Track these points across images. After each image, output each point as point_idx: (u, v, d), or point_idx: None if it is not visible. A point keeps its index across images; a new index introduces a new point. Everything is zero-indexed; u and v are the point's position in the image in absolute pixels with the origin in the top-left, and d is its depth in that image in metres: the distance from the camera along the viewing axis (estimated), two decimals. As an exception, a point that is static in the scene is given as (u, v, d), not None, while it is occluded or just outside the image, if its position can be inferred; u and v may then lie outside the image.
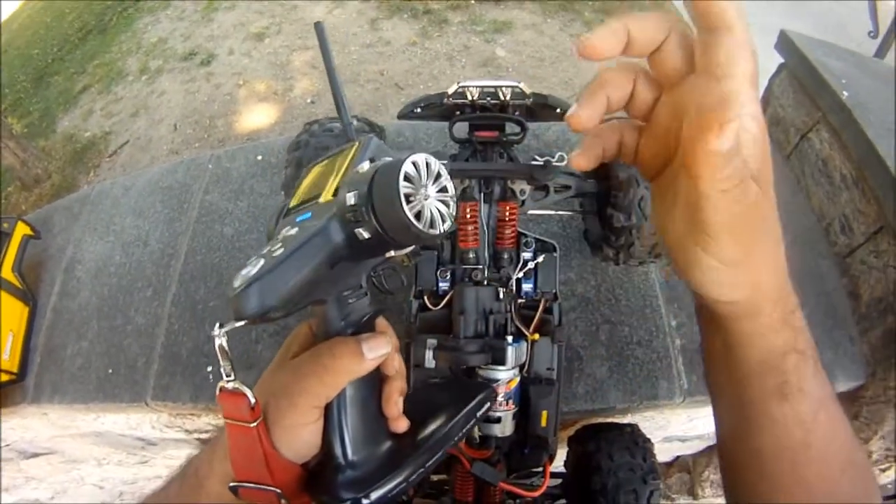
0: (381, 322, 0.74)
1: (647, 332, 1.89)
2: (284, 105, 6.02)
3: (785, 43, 2.53)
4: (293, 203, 0.81)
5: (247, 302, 0.62)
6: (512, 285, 1.34)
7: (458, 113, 1.53)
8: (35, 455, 2.79)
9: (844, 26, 6.40)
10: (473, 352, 1.20)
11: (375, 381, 0.71)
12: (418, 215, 0.61)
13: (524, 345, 1.26)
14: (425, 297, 1.38)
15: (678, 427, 2.26)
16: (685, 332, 1.90)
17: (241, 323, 0.64)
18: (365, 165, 0.67)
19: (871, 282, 2.02)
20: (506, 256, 1.35)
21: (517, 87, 1.53)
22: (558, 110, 1.56)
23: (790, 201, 2.36)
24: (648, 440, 1.52)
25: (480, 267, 1.33)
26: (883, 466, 2.03)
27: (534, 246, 1.38)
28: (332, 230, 0.63)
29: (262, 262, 0.64)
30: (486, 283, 1.31)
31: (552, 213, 1.76)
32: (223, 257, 2.26)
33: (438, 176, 0.66)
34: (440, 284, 1.38)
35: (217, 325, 0.66)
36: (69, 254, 2.52)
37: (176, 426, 2.37)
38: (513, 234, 1.37)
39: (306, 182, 0.84)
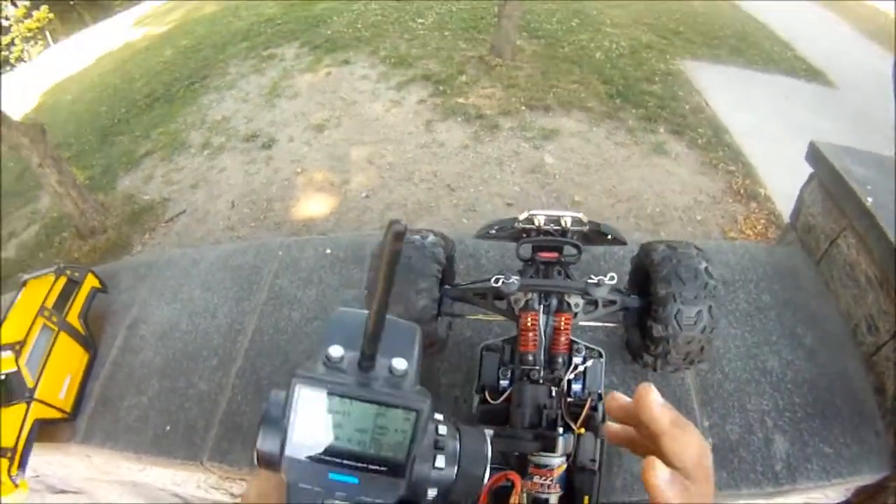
0: None
1: None
2: (340, 196, 6.16)
3: (814, 153, 2.68)
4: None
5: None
6: (563, 385, 1.56)
7: (524, 235, 1.80)
8: (63, 492, 2.90)
9: (873, 119, 6.56)
10: (528, 440, 1.40)
11: None
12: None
13: (571, 437, 1.45)
14: (486, 393, 1.60)
15: None
16: (717, 431, 2.06)
17: None
18: (443, 427, 0.77)
19: (895, 377, 2.15)
20: (560, 360, 1.59)
21: (577, 216, 1.81)
22: (609, 237, 1.84)
23: (820, 306, 2.50)
24: None
25: (537, 368, 1.55)
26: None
27: (584, 352, 1.62)
28: None
29: None
30: (541, 381, 1.53)
31: (600, 324, 2.00)
32: (289, 340, 2.40)
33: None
34: (501, 382, 1.60)
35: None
36: (134, 312, 2.69)
37: (223, 489, 2.47)
38: (567, 342, 1.61)
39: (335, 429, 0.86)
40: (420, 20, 10.10)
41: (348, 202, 6.05)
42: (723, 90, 8.32)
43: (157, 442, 2.24)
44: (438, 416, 0.78)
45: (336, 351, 0.75)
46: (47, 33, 23.31)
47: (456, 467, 0.75)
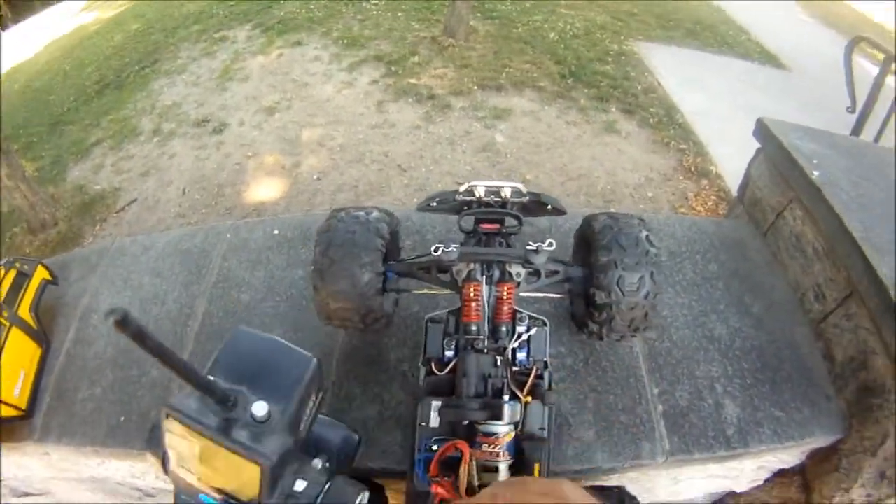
0: None
1: (632, 400, 2.11)
2: (291, 180, 6.14)
3: (762, 129, 2.77)
4: (179, 465, 0.90)
5: None
6: (508, 354, 1.59)
7: (465, 208, 1.83)
8: (26, 494, 2.89)
9: (825, 101, 6.68)
10: (475, 409, 1.43)
11: None
12: None
13: (518, 406, 1.49)
14: (432, 364, 1.63)
15: (663, 490, 2.40)
16: (667, 398, 2.12)
17: None
18: (300, 483, 0.80)
19: (843, 343, 2.24)
20: (503, 329, 1.63)
21: (517, 187, 1.84)
22: (549, 207, 1.87)
23: (767, 276, 2.59)
24: (635, 497, 1.67)
25: (481, 337, 1.59)
26: (865, 513, 2.19)
27: (527, 321, 1.66)
28: None
29: None
30: (485, 351, 1.56)
31: (544, 295, 2.04)
32: (239, 322, 2.40)
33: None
34: (446, 353, 1.62)
35: None
36: (85, 303, 2.68)
37: None
38: (510, 311, 1.66)
39: (184, 449, 0.89)
40: (374, 1, 10.01)
41: (299, 185, 6.03)
42: (676, 71, 8.40)
43: (113, 433, 2.24)
44: (316, 464, 0.82)
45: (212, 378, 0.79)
46: (-5, 21, 22.78)
47: None
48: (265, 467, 0.73)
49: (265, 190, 6.07)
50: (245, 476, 0.77)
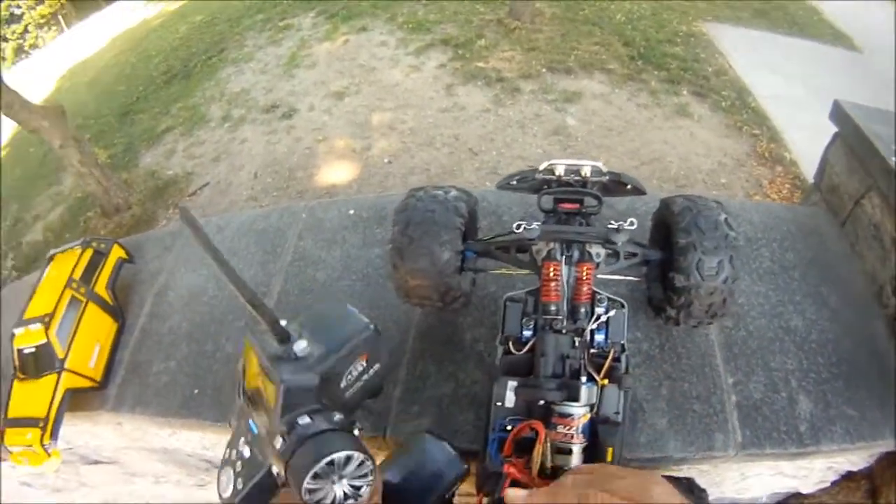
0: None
1: (706, 389, 2.02)
2: (362, 163, 6.17)
3: (838, 112, 2.63)
4: (247, 385, 0.94)
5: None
6: (586, 335, 1.54)
7: (545, 187, 1.78)
8: (96, 462, 2.94)
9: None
10: (552, 389, 1.38)
11: None
12: (319, 501, 0.75)
13: (595, 388, 1.44)
14: (510, 343, 1.58)
15: (731, 486, 2.33)
16: (741, 389, 2.03)
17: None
18: (278, 443, 0.79)
19: None
20: (582, 310, 1.56)
21: (597, 166, 1.79)
22: (629, 186, 1.82)
23: (844, 267, 2.48)
24: (704, 490, 1.64)
25: (560, 318, 1.54)
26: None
27: (606, 302, 1.59)
28: (266, 479, 0.80)
29: (229, 475, 0.86)
30: (564, 332, 1.51)
31: (622, 278, 1.97)
32: (315, 300, 2.41)
33: (360, 464, 0.76)
34: (524, 332, 1.58)
35: None
36: (161, 280, 2.71)
37: None
38: (589, 292, 1.59)
39: (250, 370, 0.93)
40: (438, -16, 10.01)
41: (370, 168, 6.06)
42: (746, 53, 8.26)
43: (187, 405, 2.26)
44: (335, 415, 0.83)
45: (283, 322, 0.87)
46: (60, 18, 23.33)
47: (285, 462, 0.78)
48: (280, 388, 0.79)
49: (336, 173, 6.10)
50: (270, 396, 0.83)
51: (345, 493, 0.75)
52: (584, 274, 1.61)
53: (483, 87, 7.05)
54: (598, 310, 1.59)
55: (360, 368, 0.90)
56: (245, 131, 7.11)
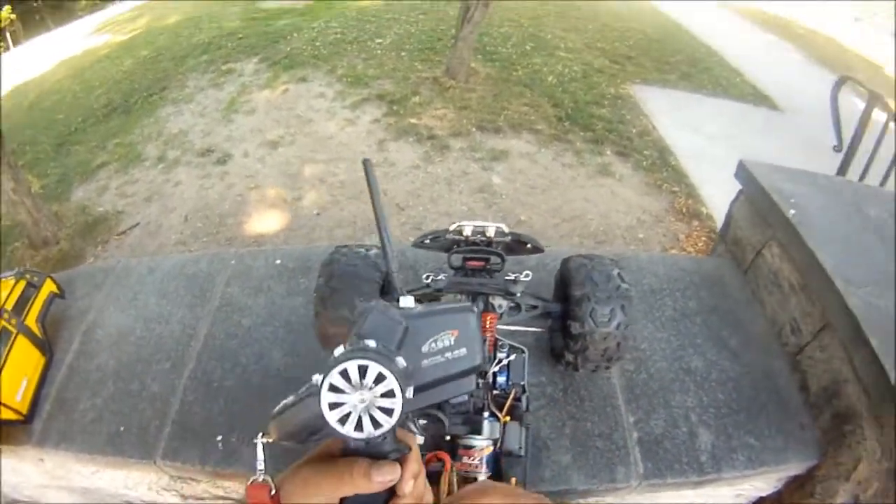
0: (410, 456, 0.82)
1: (608, 427, 2.24)
2: (292, 213, 6.22)
3: (742, 171, 2.92)
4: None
5: (271, 429, 0.86)
6: (489, 377, 1.76)
7: (455, 246, 2.01)
8: (15, 501, 2.94)
9: (817, 140, 6.83)
10: (456, 423, 1.57)
11: (384, 496, 0.79)
12: (344, 419, 0.71)
13: (497, 424, 1.64)
14: None
15: None
16: (642, 426, 2.25)
17: (271, 440, 0.86)
18: (339, 350, 0.75)
19: (818, 373, 2.36)
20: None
21: (500, 227, 2.03)
22: (529, 245, 2.05)
23: (746, 312, 2.73)
24: None
25: None
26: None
27: (507, 348, 1.83)
28: (312, 402, 0.74)
29: (289, 399, 0.84)
30: None
31: (527, 329, 2.26)
32: (240, 344, 2.55)
33: (380, 379, 0.71)
34: None
35: (260, 434, 0.87)
36: (90, 318, 2.79)
37: (174, 490, 2.56)
38: (491, 339, 1.82)
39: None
40: (378, 40, 10.26)
41: (299, 219, 6.12)
42: (670, 113, 8.63)
43: (112, 442, 2.32)
44: (399, 362, 0.78)
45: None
46: (7, 35, 22.95)
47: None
48: (368, 314, 0.79)
49: (266, 222, 6.15)
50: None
51: (372, 418, 0.71)
52: (488, 323, 1.83)
53: (414, 144, 7.21)
54: (500, 355, 1.83)
55: (446, 343, 0.87)
56: (179, 173, 7.11)
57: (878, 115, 3.84)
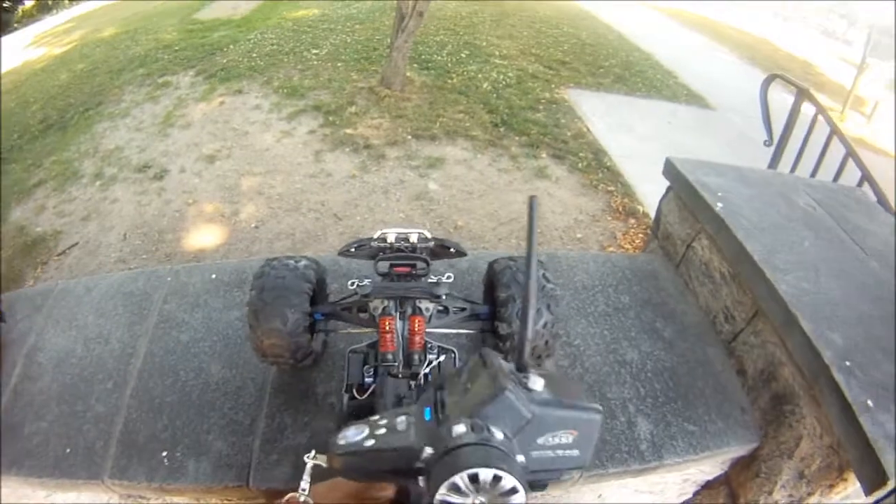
0: None
1: None
2: (230, 227, 6.21)
3: (669, 168, 3.04)
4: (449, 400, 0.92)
5: (332, 460, 0.85)
6: (420, 379, 1.83)
7: (381, 253, 2.11)
8: None
9: (749, 137, 7.05)
10: None
11: None
12: None
13: None
14: (354, 390, 1.86)
15: None
16: None
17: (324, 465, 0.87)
18: (460, 428, 0.75)
19: (753, 358, 2.47)
20: (416, 357, 1.86)
21: (423, 233, 2.14)
22: (452, 250, 2.17)
23: (679, 303, 2.83)
24: None
25: (396, 364, 1.82)
26: (789, 513, 2.38)
27: (437, 350, 1.92)
28: (394, 454, 0.76)
29: (363, 433, 0.84)
30: (400, 376, 1.80)
31: (458, 331, 2.31)
32: (179, 360, 2.59)
33: (501, 479, 0.70)
34: (365, 379, 1.87)
35: (312, 453, 0.89)
36: (31, 341, 2.79)
37: None
38: (421, 341, 1.89)
39: (472, 389, 0.92)
40: (315, 51, 10.29)
41: (238, 233, 6.12)
42: (604, 116, 8.85)
43: (59, 465, 2.32)
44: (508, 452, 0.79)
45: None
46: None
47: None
48: (498, 395, 0.79)
49: (205, 237, 6.13)
50: (478, 393, 0.85)
51: None
52: (416, 326, 1.89)
53: (350, 154, 7.27)
54: (431, 356, 1.89)
55: (563, 441, 0.86)
56: (116, 190, 7.05)
57: (808, 110, 3.98)
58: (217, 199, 6.67)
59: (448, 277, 2.01)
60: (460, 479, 0.69)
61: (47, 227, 6.81)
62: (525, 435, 0.82)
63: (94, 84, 10.54)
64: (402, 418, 0.81)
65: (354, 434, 0.86)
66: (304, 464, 0.88)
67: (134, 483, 2.26)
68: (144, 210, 6.67)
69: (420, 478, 0.76)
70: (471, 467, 0.69)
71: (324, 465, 0.88)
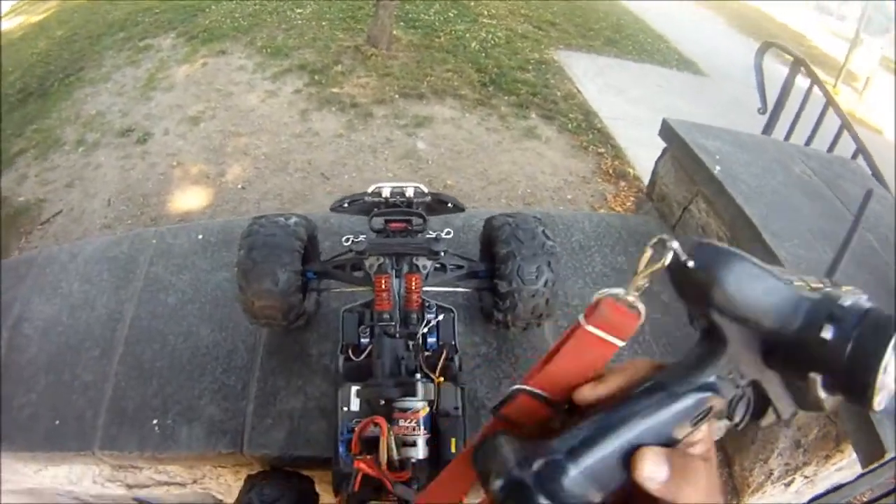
0: None
1: None
2: (216, 189, 6.14)
3: (666, 130, 3.00)
4: None
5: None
6: (419, 338, 1.78)
7: (376, 209, 2.03)
8: None
9: (742, 104, 7.05)
10: (390, 387, 1.56)
11: None
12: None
13: (432, 385, 1.64)
14: (349, 352, 1.80)
15: None
16: None
17: None
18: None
19: None
20: (413, 316, 1.81)
21: (419, 187, 2.05)
22: (449, 205, 2.08)
23: None
24: None
25: (393, 324, 1.76)
26: (786, 481, 2.36)
27: (435, 309, 1.85)
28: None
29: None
30: (397, 336, 1.74)
31: (454, 289, 2.23)
32: (166, 323, 2.53)
33: None
34: (361, 340, 1.82)
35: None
36: (17, 311, 2.73)
37: (118, 480, 2.55)
38: (418, 300, 1.83)
39: None
40: (299, 10, 10.06)
41: (224, 194, 6.06)
42: (595, 78, 8.79)
43: (49, 437, 2.29)
44: None
45: None
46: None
47: None
48: None
49: (191, 199, 6.07)
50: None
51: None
52: (413, 284, 1.83)
53: (337, 113, 7.17)
54: (429, 315, 1.84)
55: None
56: (99, 156, 6.93)
57: (800, 82, 3.95)
58: (202, 161, 6.58)
59: (447, 233, 1.93)
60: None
61: (30, 196, 6.71)
62: None
63: (74, 50, 10.33)
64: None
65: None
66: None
67: (125, 452, 2.23)
68: (128, 174, 6.58)
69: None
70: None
71: None
